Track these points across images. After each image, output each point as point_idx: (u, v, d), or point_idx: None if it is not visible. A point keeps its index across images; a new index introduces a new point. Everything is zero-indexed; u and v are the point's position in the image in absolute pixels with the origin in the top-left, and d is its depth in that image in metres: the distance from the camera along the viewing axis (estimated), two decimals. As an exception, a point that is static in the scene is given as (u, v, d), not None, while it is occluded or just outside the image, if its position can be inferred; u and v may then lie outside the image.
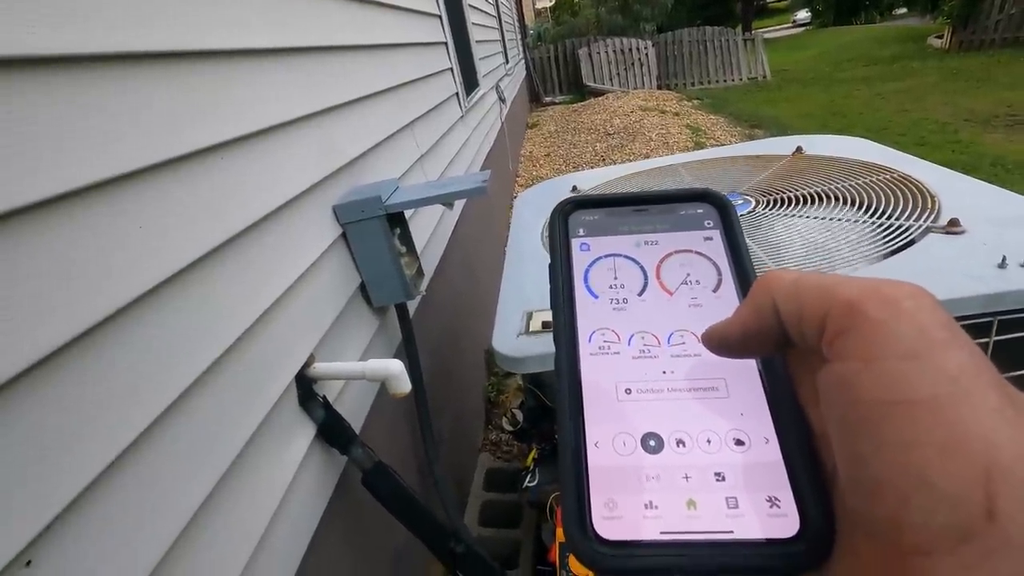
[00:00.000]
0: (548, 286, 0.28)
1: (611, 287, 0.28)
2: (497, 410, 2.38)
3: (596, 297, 0.27)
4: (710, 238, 0.29)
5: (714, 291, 0.27)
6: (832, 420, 0.18)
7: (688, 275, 0.27)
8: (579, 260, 0.29)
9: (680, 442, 0.22)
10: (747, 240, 1.25)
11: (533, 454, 1.40)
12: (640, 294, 0.27)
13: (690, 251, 0.28)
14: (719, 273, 0.27)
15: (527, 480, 1.29)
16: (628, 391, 0.24)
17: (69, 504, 0.53)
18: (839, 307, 0.18)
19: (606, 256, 0.29)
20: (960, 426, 0.15)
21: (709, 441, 0.22)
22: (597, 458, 0.22)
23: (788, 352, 0.23)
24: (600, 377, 0.25)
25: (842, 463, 0.18)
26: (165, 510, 0.66)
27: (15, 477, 0.49)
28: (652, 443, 0.22)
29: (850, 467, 0.17)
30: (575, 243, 0.29)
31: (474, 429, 2.21)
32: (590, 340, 0.26)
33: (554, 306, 0.27)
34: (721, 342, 0.23)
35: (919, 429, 0.15)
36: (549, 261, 0.29)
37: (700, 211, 0.29)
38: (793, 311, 0.20)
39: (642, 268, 0.28)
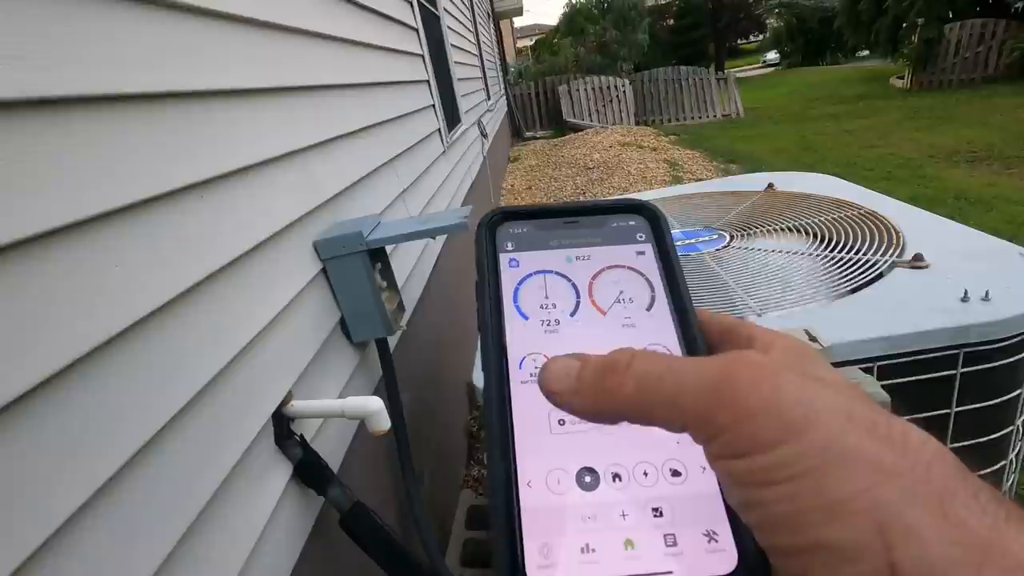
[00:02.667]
0: None
1: (542, 307, 0.26)
2: (479, 445, 2.35)
3: (527, 318, 0.26)
4: (642, 252, 0.28)
5: (647, 309, 0.26)
6: (728, 497, 0.19)
7: (621, 293, 0.26)
8: (508, 278, 0.27)
9: (616, 476, 0.21)
10: (716, 268, 1.25)
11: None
12: (572, 314, 0.26)
13: (623, 267, 0.27)
14: (652, 290, 0.26)
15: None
16: (561, 422, 0.23)
17: (42, 544, 0.52)
18: (693, 421, 0.18)
19: (536, 273, 0.27)
20: (844, 487, 0.16)
21: (646, 473, 0.21)
22: (530, 499, 0.21)
23: None
24: (532, 407, 0.23)
25: (750, 527, 0.18)
26: (141, 548, 0.64)
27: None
28: (588, 479, 0.21)
29: (756, 533, 0.18)
30: (503, 259, 0.27)
31: (456, 465, 2.17)
32: (521, 366, 0.24)
33: (482, 329, 0.25)
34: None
35: (805, 499, 0.16)
36: (476, 279, 0.27)
37: (632, 223, 0.29)
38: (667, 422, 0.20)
39: (574, 286, 0.27)
